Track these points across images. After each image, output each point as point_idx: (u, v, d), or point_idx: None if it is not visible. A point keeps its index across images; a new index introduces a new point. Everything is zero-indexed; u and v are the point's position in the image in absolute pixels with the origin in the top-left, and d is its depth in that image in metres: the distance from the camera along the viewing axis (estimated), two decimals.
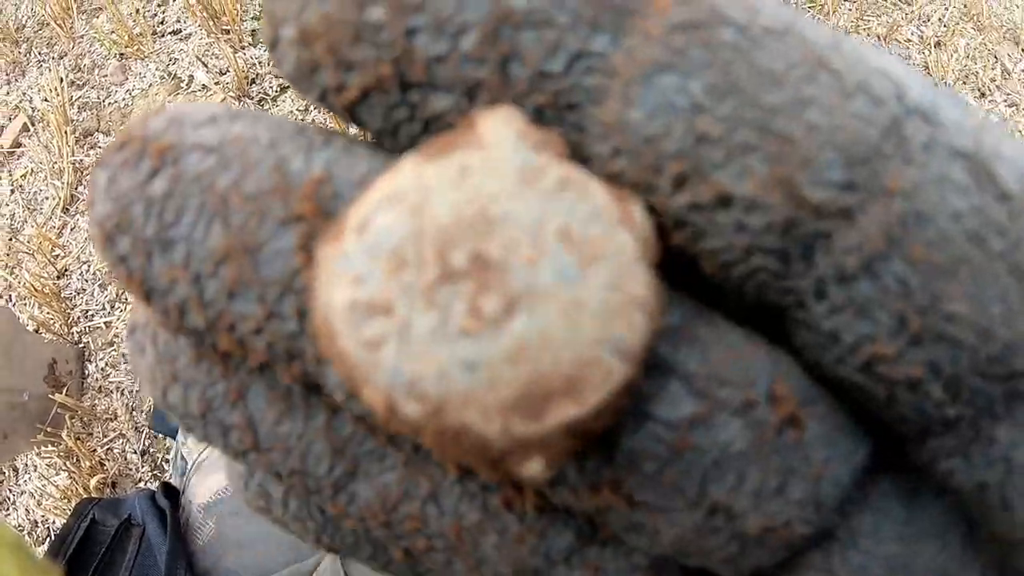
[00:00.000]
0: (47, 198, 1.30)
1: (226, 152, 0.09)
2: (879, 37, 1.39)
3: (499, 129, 0.07)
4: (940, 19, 1.44)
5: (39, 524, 1.06)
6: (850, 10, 1.42)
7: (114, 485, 1.07)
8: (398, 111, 0.08)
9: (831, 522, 0.09)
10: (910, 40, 1.41)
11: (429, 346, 0.07)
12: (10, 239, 1.25)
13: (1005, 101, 1.36)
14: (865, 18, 1.42)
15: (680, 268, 0.08)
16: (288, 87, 1.33)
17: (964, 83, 1.36)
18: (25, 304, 1.20)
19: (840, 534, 0.09)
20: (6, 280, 1.22)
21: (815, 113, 0.07)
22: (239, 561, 0.52)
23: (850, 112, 0.07)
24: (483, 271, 0.07)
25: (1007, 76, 1.40)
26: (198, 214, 0.09)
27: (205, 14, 1.36)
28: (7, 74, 1.47)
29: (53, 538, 0.60)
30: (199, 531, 0.55)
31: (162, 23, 1.45)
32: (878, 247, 0.07)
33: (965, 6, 1.48)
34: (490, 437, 0.07)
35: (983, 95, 1.36)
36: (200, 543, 0.55)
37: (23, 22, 1.54)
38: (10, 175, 1.34)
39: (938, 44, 1.41)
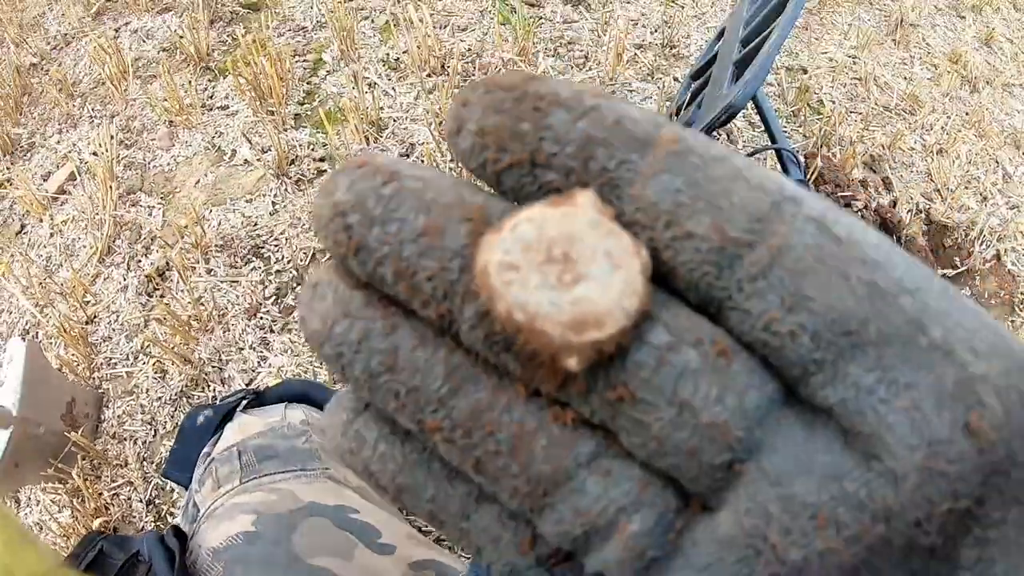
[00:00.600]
0: (84, 246, 1.35)
1: (430, 182, 0.15)
2: (883, 147, 1.46)
3: (585, 199, 0.14)
4: (943, 127, 1.51)
5: None
6: (856, 121, 1.49)
7: (115, 530, 1.07)
8: (526, 178, 0.15)
9: (755, 434, 0.14)
10: (913, 148, 1.47)
11: (535, 289, 0.13)
12: (44, 279, 1.30)
13: (1007, 204, 1.41)
14: (870, 128, 1.49)
15: (664, 282, 0.15)
16: (325, 171, 1.40)
17: (966, 188, 1.42)
18: (52, 343, 1.24)
19: (765, 448, 0.14)
20: (35, 317, 1.27)
21: (735, 197, 0.14)
22: None
23: (751, 197, 0.14)
24: (567, 262, 0.13)
25: (1008, 179, 1.46)
26: (411, 208, 0.15)
27: (253, 94, 1.45)
28: (60, 124, 1.56)
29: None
30: (207, 574, 0.57)
31: (211, 97, 1.55)
32: (765, 260, 0.13)
33: (967, 114, 1.55)
34: (555, 339, 0.13)
35: (985, 199, 1.41)
36: None
37: (80, 77, 1.64)
38: (51, 219, 1.41)
39: (940, 151, 1.47)
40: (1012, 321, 1.27)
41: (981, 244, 1.33)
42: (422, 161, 1.38)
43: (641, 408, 0.14)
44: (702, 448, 0.14)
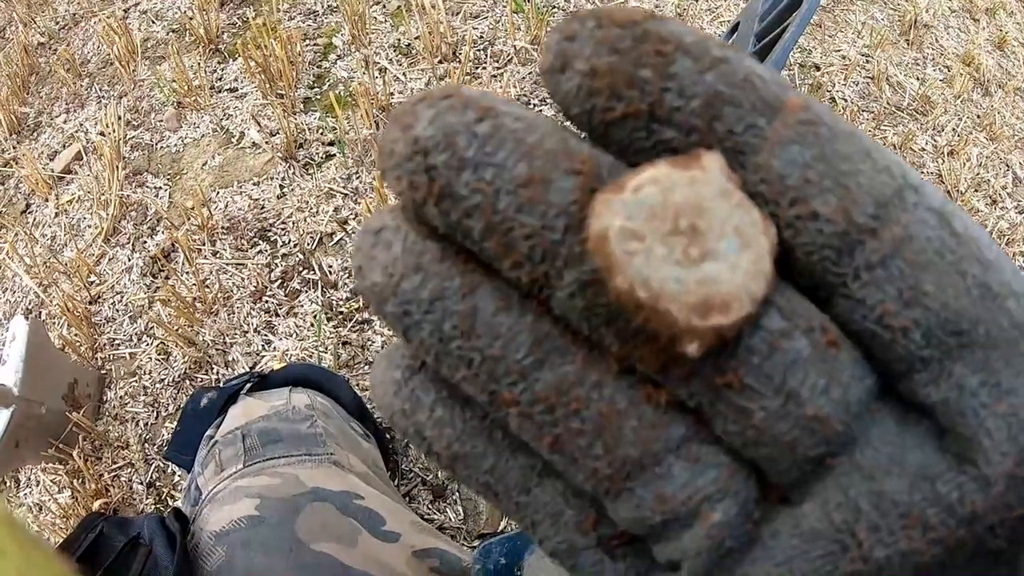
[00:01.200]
0: (90, 226, 1.35)
1: (532, 123, 0.13)
2: (894, 146, 1.45)
3: (713, 163, 0.13)
4: (954, 129, 1.51)
5: None
6: (868, 120, 1.49)
7: (115, 511, 1.07)
8: (640, 132, 0.13)
9: (851, 429, 0.13)
10: (924, 149, 1.47)
11: (659, 264, 0.12)
12: (49, 258, 1.30)
13: (1016, 208, 1.41)
14: (882, 127, 1.48)
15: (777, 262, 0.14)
16: (333, 155, 1.39)
17: (976, 191, 1.41)
18: (55, 322, 1.23)
19: (859, 443, 0.14)
20: (39, 296, 1.27)
21: (862, 177, 0.13)
22: None
23: (878, 180, 0.13)
24: (694, 234, 0.12)
25: (1018, 183, 1.45)
26: (510, 153, 0.13)
27: (263, 77, 1.44)
28: (67, 103, 1.55)
29: (58, 544, 0.60)
30: (208, 557, 0.56)
31: (220, 79, 1.54)
32: (887, 251, 0.13)
33: (978, 116, 1.54)
34: (679, 321, 0.12)
35: (994, 202, 1.41)
36: (208, 569, 0.55)
37: (88, 57, 1.64)
38: (57, 199, 1.40)
39: (951, 153, 1.46)
40: None
41: None
42: None
43: (747, 396, 0.13)
44: (800, 440, 0.13)
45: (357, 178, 1.35)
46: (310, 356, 1.17)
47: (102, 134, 1.46)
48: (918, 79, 1.60)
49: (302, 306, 1.21)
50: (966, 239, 0.13)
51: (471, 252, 0.14)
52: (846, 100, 1.53)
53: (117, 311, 1.25)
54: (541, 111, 1.40)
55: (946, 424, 0.13)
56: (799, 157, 0.13)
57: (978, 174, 1.44)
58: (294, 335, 1.19)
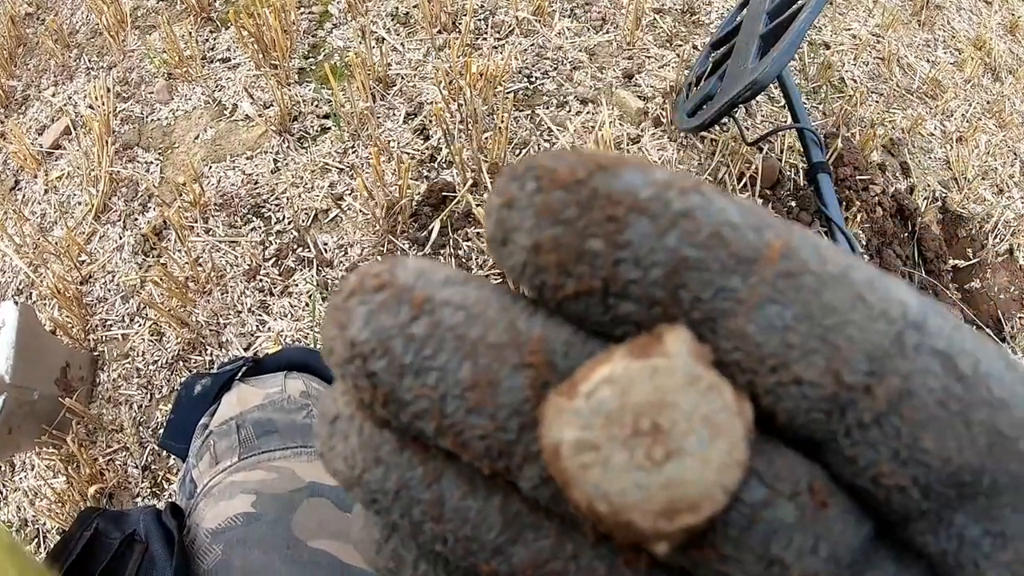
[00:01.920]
0: (80, 203, 1.32)
1: (472, 311, 0.13)
2: (903, 131, 1.43)
3: (677, 344, 0.11)
4: (964, 115, 1.48)
5: (29, 523, 1.05)
6: (876, 102, 1.46)
7: (111, 496, 1.06)
8: (596, 309, 0.12)
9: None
10: (933, 134, 1.44)
11: (619, 473, 0.11)
12: (38, 238, 1.27)
13: (1022, 198, 1.39)
14: (891, 110, 1.46)
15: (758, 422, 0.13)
16: (329, 128, 1.36)
17: (984, 179, 1.39)
18: (45, 304, 1.21)
19: None
20: (29, 277, 1.24)
21: (853, 330, 0.11)
22: None
23: (873, 330, 0.12)
24: (657, 434, 0.11)
25: None
26: (452, 354, 0.12)
27: (256, 47, 1.40)
28: (55, 75, 1.51)
29: (55, 543, 0.60)
30: (205, 555, 0.55)
31: (212, 49, 1.50)
32: (883, 408, 0.12)
33: (988, 102, 1.52)
34: (644, 529, 0.11)
35: (1001, 191, 1.39)
36: (205, 567, 0.54)
37: (76, 27, 1.59)
38: (46, 175, 1.37)
39: (960, 139, 1.44)
40: (1021, 318, 1.26)
41: (995, 237, 1.32)
42: (430, 123, 1.34)
43: (729, 563, 0.12)
44: None
45: (353, 152, 1.33)
46: (305, 337, 1.15)
47: (91, 107, 1.42)
48: (929, 61, 1.57)
49: (296, 285, 1.19)
50: (974, 381, 0.12)
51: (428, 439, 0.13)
52: (856, 81, 1.50)
53: (109, 291, 1.22)
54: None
55: (943, 571, 0.13)
56: (778, 320, 0.11)
57: (986, 162, 1.42)
58: (289, 315, 1.17)
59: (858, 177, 1.30)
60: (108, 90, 1.43)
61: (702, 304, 0.12)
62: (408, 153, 1.31)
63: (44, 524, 1.04)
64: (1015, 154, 1.45)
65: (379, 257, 1.11)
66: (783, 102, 1.39)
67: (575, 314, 0.12)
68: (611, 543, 0.13)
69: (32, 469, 1.07)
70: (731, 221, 0.12)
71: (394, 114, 1.37)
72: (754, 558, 0.12)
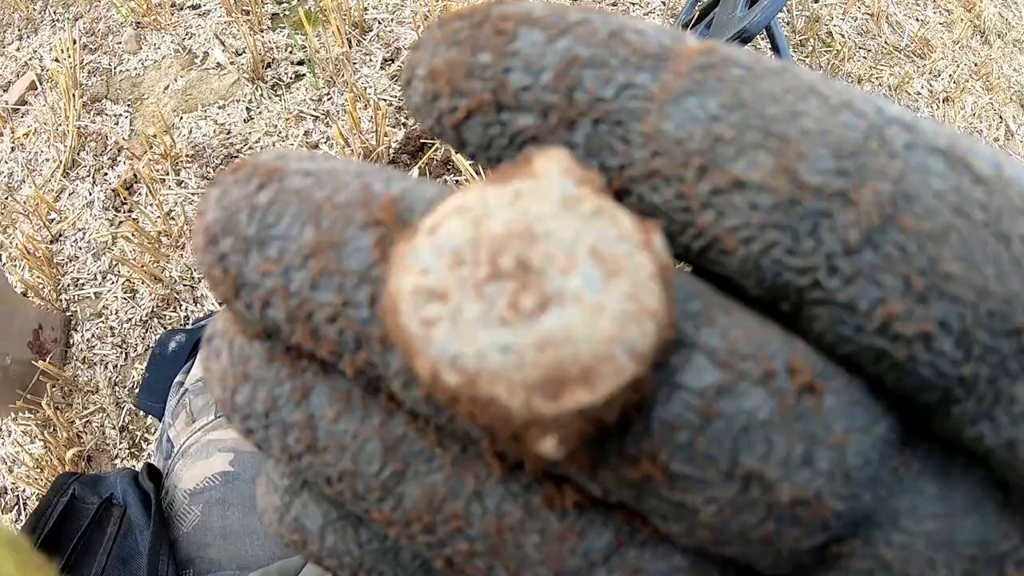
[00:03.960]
0: (48, 160, 1.28)
1: (322, 176, 0.11)
2: (890, 88, 1.41)
3: (548, 164, 0.09)
4: (951, 75, 1.47)
5: (8, 491, 1.04)
6: (864, 58, 1.44)
7: (89, 459, 1.05)
8: (492, 128, 0.11)
9: (864, 501, 0.09)
10: (919, 93, 1.43)
11: (473, 329, 0.08)
12: (5, 198, 1.23)
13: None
14: (878, 67, 1.44)
15: (703, 270, 0.10)
16: (303, 75, 1.32)
17: None
18: (15, 265, 1.18)
19: (880, 518, 0.09)
20: None
21: (807, 121, 0.09)
22: (223, 551, 0.51)
23: (835, 121, 0.09)
24: (524, 274, 0.09)
25: (1010, 137, 1.43)
26: (294, 218, 0.11)
27: None
28: (19, 29, 1.45)
29: (31, 511, 0.59)
30: (183, 517, 0.54)
31: None
32: (874, 221, 0.09)
33: (976, 65, 1.51)
34: (513, 410, 0.08)
35: None
36: (184, 529, 0.54)
37: None
38: (12, 132, 1.32)
39: (946, 100, 1.43)
40: None
41: None
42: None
43: (681, 487, 0.09)
44: (782, 533, 0.09)
45: (328, 100, 1.29)
46: None
47: (57, 60, 1.36)
48: (918, 20, 1.55)
49: None
50: (1000, 182, 0.09)
51: (300, 347, 0.11)
52: (844, 36, 1.47)
53: (80, 249, 1.19)
54: None
55: (1010, 476, 0.09)
56: (700, 109, 0.09)
57: (972, 124, 1.41)
58: None
59: None
60: (74, 42, 1.38)
61: (604, 104, 0.10)
62: (385, 100, 1.28)
63: (23, 491, 1.03)
64: (1000, 117, 1.45)
65: None
66: (770, 54, 1.36)
67: (477, 144, 0.11)
68: (522, 475, 0.11)
69: (9, 436, 1.06)
70: (637, 28, 0.10)
71: (371, 60, 1.33)
72: (719, 475, 0.09)
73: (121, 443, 1.06)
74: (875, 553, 0.09)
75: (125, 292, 1.16)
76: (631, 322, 0.08)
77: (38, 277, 1.15)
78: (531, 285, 0.08)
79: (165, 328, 1.12)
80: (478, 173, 1.14)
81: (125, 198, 1.20)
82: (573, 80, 0.10)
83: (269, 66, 1.33)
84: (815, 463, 0.09)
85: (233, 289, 0.11)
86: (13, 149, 1.31)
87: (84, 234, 1.20)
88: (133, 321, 1.13)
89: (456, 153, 1.30)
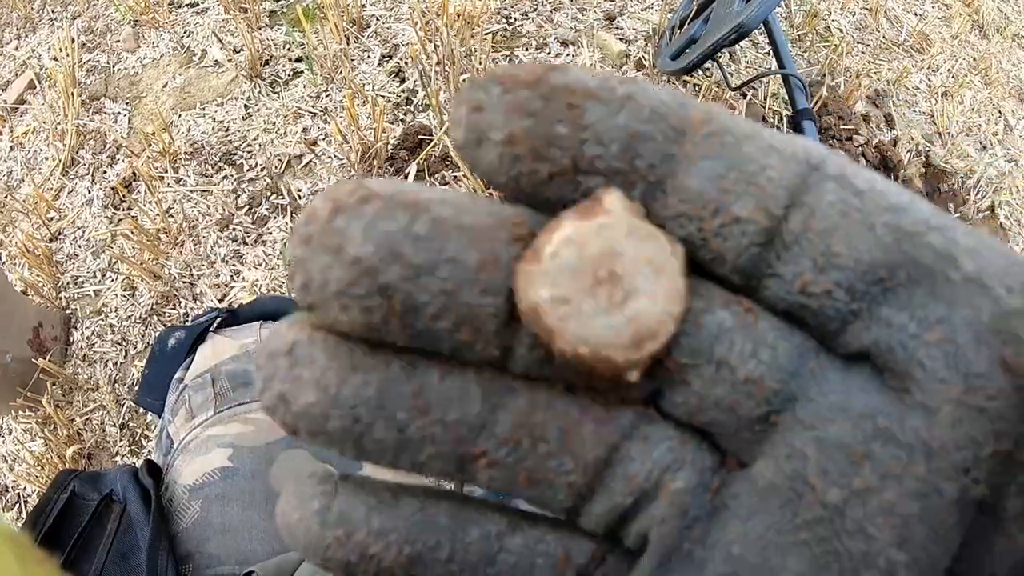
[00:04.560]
0: (47, 158, 1.28)
1: (457, 204, 0.14)
2: (888, 82, 1.41)
3: (615, 203, 0.14)
4: (949, 70, 1.47)
5: (9, 489, 1.04)
6: (862, 53, 1.44)
7: (90, 457, 1.05)
8: (568, 188, 0.14)
9: (790, 386, 0.14)
10: (918, 88, 1.43)
11: (591, 318, 0.13)
12: (5, 196, 1.23)
13: (1005, 156, 1.39)
14: (876, 62, 1.44)
15: (700, 269, 0.15)
16: (301, 72, 1.32)
17: (967, 135, 1.39)
18: (15, 264, 1.18)
19: (800, 399, 0.14)
20: None
21: (772, 172, 0.14)
22: (222, 547, 0.51)
23: (788, 170, 0.14)
24: (612, 279, 0.13)
25: (1009, 131, 1.43)
26: (458, 243, 0.14)
27: None
28: (18, 28, 1.45)
29: (31, 508, 0.59)
30: (183, 513, 0.55)
31: None
32: (797, 228, 0.14)
33: (974, 59, 1.50)
34: (620, 362, 0.13)
35: (984, 148, 1.39)
36: (183, 525, 0.54)
37: None
38: (11, 131, 1.32)
39: (945, 94, 1.43)
40: None
41: (977, 194, 1.31)
42: (406, 65, 1.31)
43: (686, 372, 0.14)
44: (740, 403, 0.14)
45: (327, 96, 1.29)
46: (280, 286, 1.14)
47: (55, 59, 1.37)
48: (916, 15, 1.55)
49: (271, 233, 1.17)
50: (870, 192, 0.14)
51: (389, 342, 0.14)
52: (842, 31, 1.47)
53: (79, 247, 1.19)
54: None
55: (882, 364, 0.14)
56: (711, 171, 0.14)
57: (970, 118, 1.41)
58: (263, 264, 1.15)
59: (842, 127, 1.29)
60: (73, 40, 1.38)
61: (656, 169, 0.14)
62: (383, 96, 1.28)
63: (24, 488, 1.03)
64: (999, 112, 1.45)
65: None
66: (768, 49, 1.36)
67: (549, 198, 0.14)
68: (575, 393, 0.15)
69: (9, 434, 1.06)
70: (663, 100, 0.14)
71: (369, 56, 1.34)
72: (704, 359, 0.14)
73: (121, 440, 1.06)
74: (796, 416, 0.14)
75: (124, 289, 1.16)
76: (671, 300, 0.14)
77: (38, 275, 1.16)
78: (618, 285, 0.13)
79: (164, 325, 1.12)
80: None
81: (124, 196, 1.20)
82: (635, 152, 0.14)
83: (267, 63, 1.33)
84: (759, 355, 0.14)
85: (400, 312, 0.13)
86: (12, 148, 1.31)
87: (83, 232, 1.20)
88: (133, 318, 1.14)
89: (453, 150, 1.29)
